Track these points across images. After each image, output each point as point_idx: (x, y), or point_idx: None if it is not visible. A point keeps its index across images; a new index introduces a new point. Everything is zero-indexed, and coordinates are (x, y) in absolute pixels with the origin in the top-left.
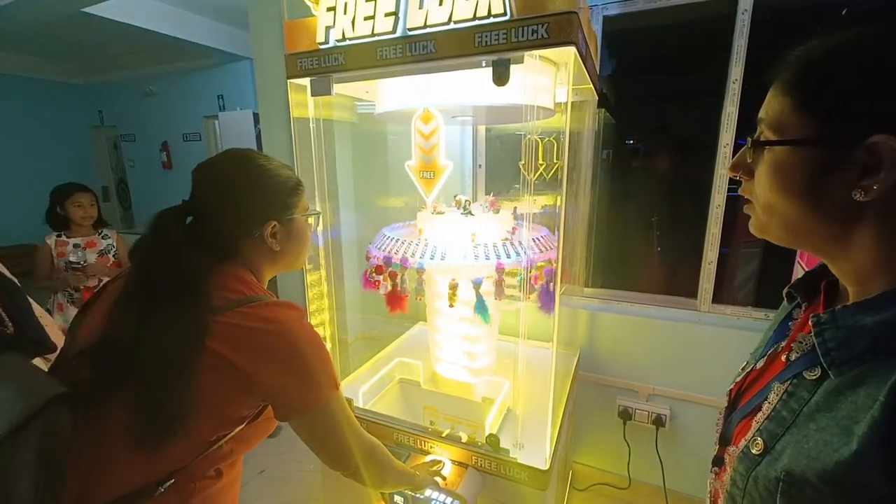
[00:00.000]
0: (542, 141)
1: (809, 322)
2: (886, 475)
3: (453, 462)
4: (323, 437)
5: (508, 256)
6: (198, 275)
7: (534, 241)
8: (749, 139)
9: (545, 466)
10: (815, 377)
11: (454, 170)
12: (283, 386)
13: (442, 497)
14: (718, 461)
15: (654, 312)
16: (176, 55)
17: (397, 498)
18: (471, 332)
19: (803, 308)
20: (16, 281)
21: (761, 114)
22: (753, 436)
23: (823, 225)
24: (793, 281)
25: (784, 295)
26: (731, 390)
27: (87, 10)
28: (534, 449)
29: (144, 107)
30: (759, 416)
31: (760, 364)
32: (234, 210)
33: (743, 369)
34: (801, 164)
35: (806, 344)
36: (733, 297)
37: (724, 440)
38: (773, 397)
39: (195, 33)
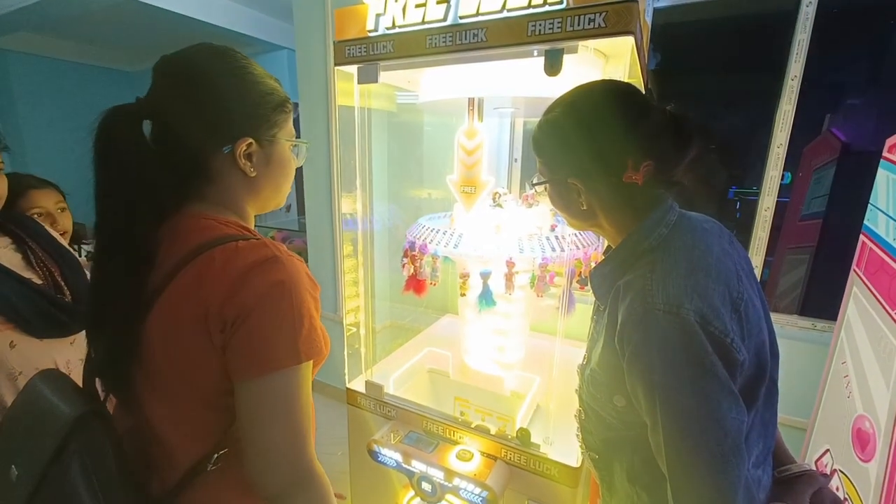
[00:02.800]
0: None
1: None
2: (613, 351)
3: (483, 454)
4: (272, 415)
5: (521, 251)
6: (145, 235)
7: (552, 239)
8: (532, 180)
9: (577, 464)
10: (602, 310)
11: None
12: (238, 339)
13: (471, 487)
14: None
15: None
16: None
17: (425, 485)
18: (502, 326)
19: None
20: (74, 254)
21: (538, 165)
22: (584, 354)
23: (583, 221)
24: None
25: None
26: None
27: None
28: (565, 446)
29: None
30: (587, 343)
31: None
32: (204, 113)
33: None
34: (553, 192)
35: None
36: (777, 305)
37: None
38: (591, 330)
39: (240, 23)
